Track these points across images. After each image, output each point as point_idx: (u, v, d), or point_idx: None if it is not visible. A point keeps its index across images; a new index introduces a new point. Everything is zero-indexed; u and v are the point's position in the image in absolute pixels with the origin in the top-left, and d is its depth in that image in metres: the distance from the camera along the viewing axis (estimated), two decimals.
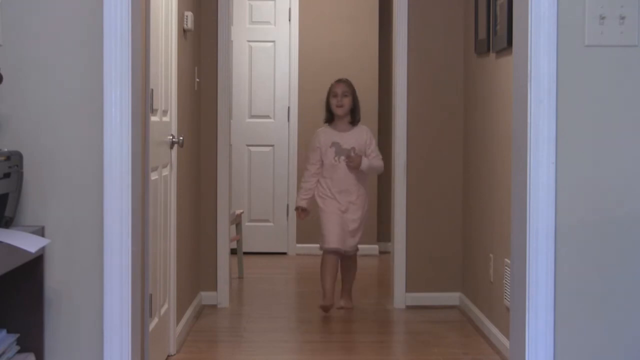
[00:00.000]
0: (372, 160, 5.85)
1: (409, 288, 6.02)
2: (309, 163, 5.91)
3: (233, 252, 6.69)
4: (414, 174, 6.00)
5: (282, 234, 8.29)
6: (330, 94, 5.89)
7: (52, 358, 2.93)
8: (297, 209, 5.95)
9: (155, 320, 4.29)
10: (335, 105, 5.84)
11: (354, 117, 5.88)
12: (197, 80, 5.81)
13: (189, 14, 5.27)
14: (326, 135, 5.86)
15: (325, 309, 5.76)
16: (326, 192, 5.82)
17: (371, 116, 7.95)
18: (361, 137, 5.83)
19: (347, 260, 5.94)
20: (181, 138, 4.82)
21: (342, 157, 5.78)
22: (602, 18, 2.88)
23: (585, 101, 2.90)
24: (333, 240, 5.75)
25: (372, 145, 5.86)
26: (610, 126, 2.91)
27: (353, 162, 5.76)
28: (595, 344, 2.91)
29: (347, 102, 5.85)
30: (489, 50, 5.19)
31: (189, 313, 5.40)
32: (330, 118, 5.91)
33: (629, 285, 2.91)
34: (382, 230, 8.07)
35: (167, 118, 4.67)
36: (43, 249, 2.85)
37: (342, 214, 5.78)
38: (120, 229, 2.92)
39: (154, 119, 4.21)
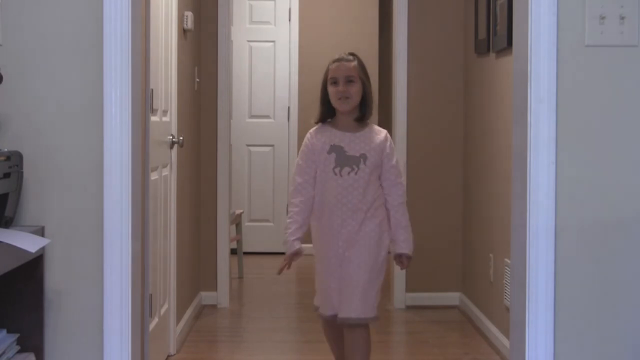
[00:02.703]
0: (397, 206, 3.82)
1: (409, 288, 6.02)
2: (296, 182, 3.83)
3: (233, 252, 6.69)
4: (414, 173, 6.00)
5: (282, 234, 8.24)
6: (328, 79, 3.81)
7: (52, 358, 2.93)
8: (287, 259, 3.83)
9: (155, 320, 4.29)
10: (337, 96, 3.76)
11: (363, 111, 3.82)
12: (197, 80, 5.81)
13: (189, 14, 5.27)
14: (322, 136, 3.81)
15: None
16: (321, 220, 3.83)
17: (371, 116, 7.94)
18: (376, 140, 3.80)
19: (351, 332, 3.77)
20: (181, 138, 4.83)
21: (348, 170, 3.75)
22: (602, 18, 2.88)
23: (585, 101, 2.90)
24: (321, 301, 3.88)
25: (392, 157, 3.82)
26: (610, 126, 2.91)
27: (406, 264, 3.87)
28: (595, 344, 2.91)
29: (354, 91, 3.76)
30: (489, 50, 5.19)
31: (189, 313, 5.40)
32: (328, 115, 3.84)
33: (629, 285, 2.91)
34: None
35: (167, 118, 4.67)
36: (43, 249, 2.85)
37: (343, 259, 3.78)
38: (120, 229, 2.92)
39: (154, 119, 4.21)
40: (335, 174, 3.75)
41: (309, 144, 3.82)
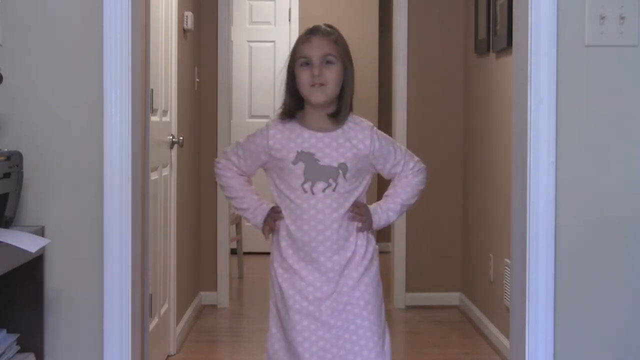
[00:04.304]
0: (407, 186, 2.98)
1: (409, 288, 6.02)
2: (224, 158, 2.90)
3: (233, 252, 6.69)
4: None
5: None
6: (297, 59, 2.77)
7: (52, 358, 2.93)
8: (267, 226, 2.83)
9: (155, 320, 4.29)
10: (309, 83, 2.73)
11: (341, 105, 2.78)
12: (197, 80, 5.81)
13: (189, 14, 5.27)
14: (283, 137, 2.79)
15: None
16: (288, 255, 2.78)
17: (371, 116, 7.95)
18: (359, 143, 2.79)
19: None
20: (181, 138, 4.83)
21: (322, 185, 2.75)
22: (602, 18, 2.88)
23: (585, 101, 2.90)
24: None
25: (391, 153, 2.85)
26: (610, 126, 2.91)
27: (361, 219, 2.82)
28: (595, 344, 2.91)
29: (332, 75, 2.74)
30: (489, 50, 5.19)
31: (189, 313, 5.40)
32: (296, 107, 2.80)
33: (629, 285, 2.91)
34: (382, 230, 8.06)
35: (167, 118, 4.67)
36: (43, 249, 2.84)
37: (320, 306, 2.74)
38: (120, 229, 2.92)
39: (154, 119, 4.21)
40: (306, 192, 2.75)
41: (260, 140, 2.81)
